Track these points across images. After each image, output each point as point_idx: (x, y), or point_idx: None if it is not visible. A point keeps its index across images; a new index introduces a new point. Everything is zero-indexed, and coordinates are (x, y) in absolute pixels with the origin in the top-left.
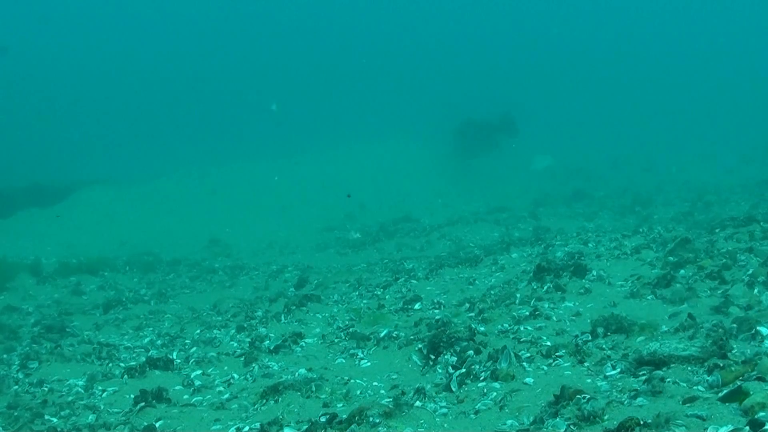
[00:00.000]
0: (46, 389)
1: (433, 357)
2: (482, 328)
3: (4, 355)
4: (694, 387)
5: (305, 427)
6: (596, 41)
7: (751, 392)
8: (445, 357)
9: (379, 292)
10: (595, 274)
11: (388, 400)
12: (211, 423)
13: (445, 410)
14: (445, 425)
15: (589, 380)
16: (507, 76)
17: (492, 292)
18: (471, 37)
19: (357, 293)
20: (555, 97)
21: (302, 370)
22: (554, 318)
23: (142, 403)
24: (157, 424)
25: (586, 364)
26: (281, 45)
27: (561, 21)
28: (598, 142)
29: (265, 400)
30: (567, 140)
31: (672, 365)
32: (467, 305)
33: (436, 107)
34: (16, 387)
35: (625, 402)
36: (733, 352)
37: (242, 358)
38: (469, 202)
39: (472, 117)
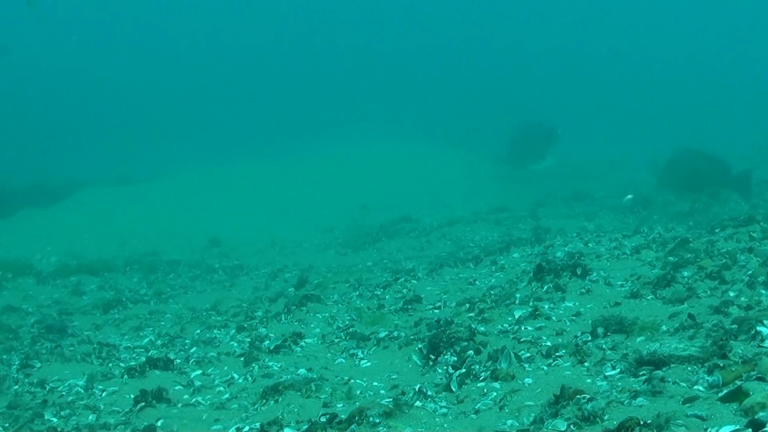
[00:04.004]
0: (46, 389)
1: (433, 357)
2: (482, 328)
3: (4, 355)
4: (694, 387)
5: (305, 427)
6: (595, 38)
7: (751, 392)
8: (445, 357)
9: (379, 292)
10: (595, 274)
11: (388, 400)
12: (211, 423)
13: (445, 410)
14: (445, 425)
15: (589, 380)
16: (508, 75)
17: (492, 292)
18: (472, 37)
19: (357, 293)
20: (555, 96)
21: (302, 370)
22: (554, 318)
23: (142, 403)
24: (157, 424)
25: (586, 364)
26: (283, 43)
27: (562, 19)
28: (598, 141)
29: (265, 400)
30: (567, 140)
31: (672, 365)
32: (467, 305)
33: (437, 107)
34: (16, 387)
35: (625, 402)
36: (733, 352)
37: (242, 358)
38: (469, 202)
39: (527, 124)
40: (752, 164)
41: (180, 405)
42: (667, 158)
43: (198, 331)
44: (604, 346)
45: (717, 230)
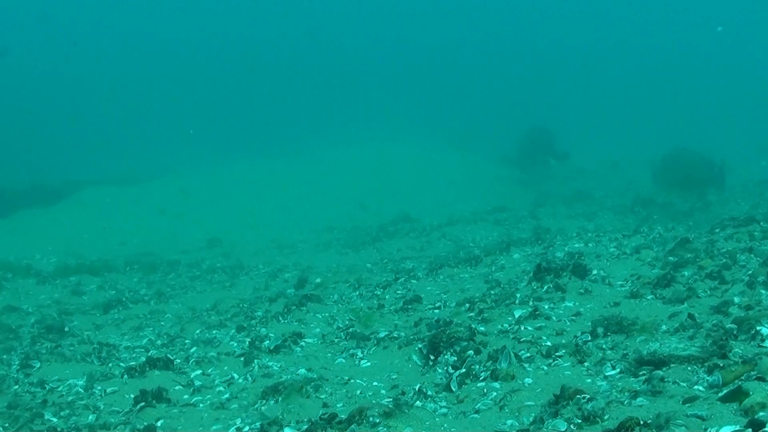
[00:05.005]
0: (46, 389)
1: (433, 357)
2: (482, 328)
3: (4, 355)
4: (694, 387)
5: (305, 427)
6: (596, 37)
7: (751, 392)
8: (445, 357)
9: (379, 292)
10: (595, 274)
11: (388, 400)
12: (211, 423)
13: (445, 410)
14: (445, 425)
15: (589, 380)
16: (511, 76)
17: (492, 292)
18: (474, 38)
19: (357, 293)
20: (557, 96)
21: (302, 370)
22: (554, 318)
23: (142, 403)
24: (157, 424)
25: (586, 364)
26: (283, 42)
27: (564, 21)
28: (599, 141)
29: (265, 400)
30: (568, 140)
31: (672, 365)
32: (467, 305)
33: (437, 107)
34: (16, 387)
35: (625, 402)
36: (733, 352)
37: (242, 358)
38: (469, 201)
39: (537, 127)
40: (726, 157)
41: (180, 405)
42: (661, 156)
43: (198, 331)
44: (604, 346)
45: (717, 230)
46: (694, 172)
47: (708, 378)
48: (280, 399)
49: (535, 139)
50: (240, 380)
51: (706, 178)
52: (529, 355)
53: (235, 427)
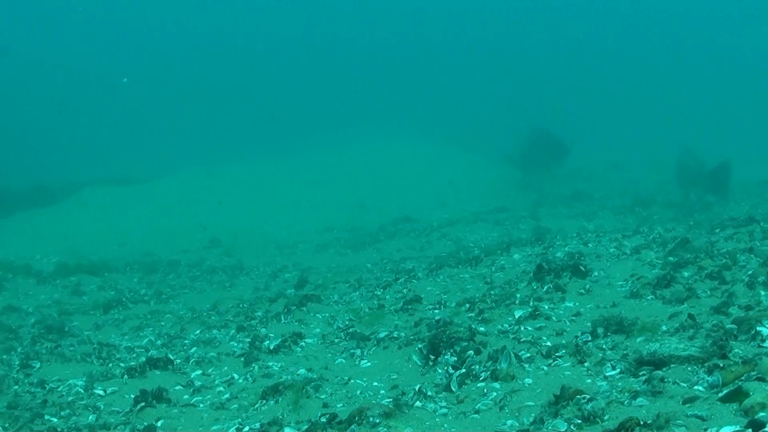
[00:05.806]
0: (46, 389)
1: (433, 357)
2: (482, 329)
3: (4, 355)
4: (694, 387)
5: (305, 427)
6: (597, 37)
7: (751, 392)
8: (445, 357)
9: (379, 293)
10: (595, 274)
11: (388, 400)
12: (211, 423)
13: (445, 410)
14: (445, 425)
15: (589, 380)
16: (513, 76)
17: (492, 292)
18: (477, 39)
19: (357, 293)
20: (558, 97)
21: (302, 370)
22: (554, 318)
23: (142, 403)
24: (157, 424)
25: (586, 364)
26: (283, 43)
27: (566, 22)
28: (599, 142)
29: (265, 401)
30: (569, 139)
31: (672, 365)
32: (467, 305)
33: (438, 108)
34: (16, 387)
35: (625, 402)
36: (733, 352)
37: (242, 359)
38: (469, 202)
39: (541, 132)
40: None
41: (180, 405)
42: (676, 159)
43: (198, 331)
44: (604, 347)
45: (717, 230)
46: (690, 174)
47: (708, 378)
48: (280, 399)
49: (546, 146)
50: (240, 380)
51: (701, 181)
52: (529, 355)
53: (235, 427)
